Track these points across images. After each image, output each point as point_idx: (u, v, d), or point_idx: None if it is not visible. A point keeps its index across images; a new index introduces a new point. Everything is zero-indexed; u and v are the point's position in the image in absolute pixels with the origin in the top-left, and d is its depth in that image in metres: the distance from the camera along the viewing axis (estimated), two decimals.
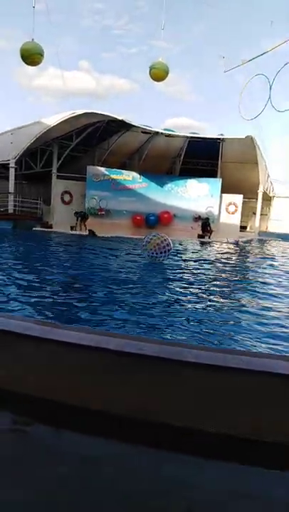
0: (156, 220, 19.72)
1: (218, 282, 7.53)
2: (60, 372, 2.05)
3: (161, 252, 9.17)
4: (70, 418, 1.93)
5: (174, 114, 63.92)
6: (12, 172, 17.67)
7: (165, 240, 9.26)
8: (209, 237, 18.18)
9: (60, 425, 2.00)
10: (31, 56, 10.66)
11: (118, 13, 52.16)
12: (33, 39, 10.70)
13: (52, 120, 16.81)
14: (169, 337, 3.89)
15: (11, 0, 49.71)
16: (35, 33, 10.41)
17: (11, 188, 17.80)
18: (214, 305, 5.49)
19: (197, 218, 19.69)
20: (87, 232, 16.71)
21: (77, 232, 17.11)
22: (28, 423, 1.97)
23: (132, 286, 6.38)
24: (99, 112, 16.86)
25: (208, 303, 5.62)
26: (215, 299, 5.94)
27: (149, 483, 1.57)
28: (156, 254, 9.15)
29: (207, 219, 18.97)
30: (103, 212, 19.26)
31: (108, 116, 17.26)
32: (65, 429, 1.96)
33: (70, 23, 52.57)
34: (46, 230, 17.43)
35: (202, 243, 16.50)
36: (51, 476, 1.59)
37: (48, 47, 11.01)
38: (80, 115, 16.48)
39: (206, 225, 18.70)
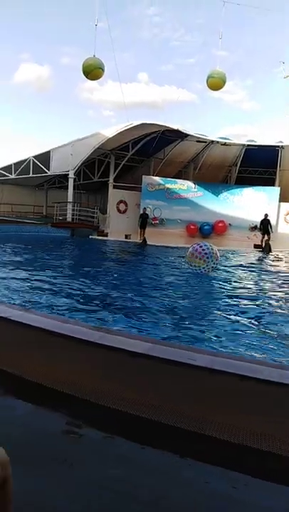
0: (211, 229, 19.46)
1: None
2: (113, 378, 2.10)
3: (217, 263, 8.43)
4: (120, 424, 1.96)
5: (230, 124, 62.89)
6: (71, 182, 18.44)
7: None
8: (265, 249, 17.31)
9: (112, 431, 2.04)
10: (93, 71, 11.25)
11: (175, 24, 52.75)
12: (94, 55, 11.27)
13: (109, 131, 17.36)
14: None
15: (74, 19, 52.31)
16: (97, 49, 10.92)
17: (70, 197, 18.57)
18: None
19: (253, 228, 19.10)
20: (141, 241, 16.84)
21: (132, 240, 17.31)
22: (83, 426, 2.03)
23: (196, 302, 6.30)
24: (155, 122, 17.10)
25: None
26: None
27: (199, 496, 1.55)
28: (216, 264, 8.34)
29: (266, 215, 17.19)
30: (157, 221, 19.39)
31: (164, 126, 17.44)
32: (117, 435, 1.99)
33: (130, 38, 54.11)
34: (102, 238, 17.89)
35: (261, 253, 15.93)
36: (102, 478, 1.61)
37: (108, 61, 11.46)
38: (136, 126, 16.85)
39: (267, 225, 17.00)
